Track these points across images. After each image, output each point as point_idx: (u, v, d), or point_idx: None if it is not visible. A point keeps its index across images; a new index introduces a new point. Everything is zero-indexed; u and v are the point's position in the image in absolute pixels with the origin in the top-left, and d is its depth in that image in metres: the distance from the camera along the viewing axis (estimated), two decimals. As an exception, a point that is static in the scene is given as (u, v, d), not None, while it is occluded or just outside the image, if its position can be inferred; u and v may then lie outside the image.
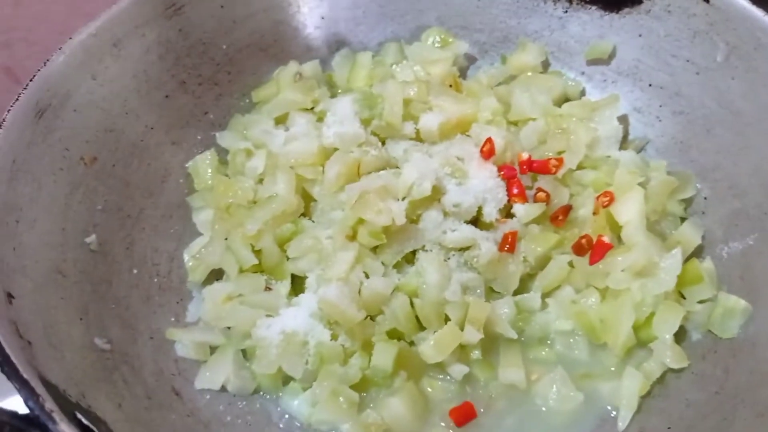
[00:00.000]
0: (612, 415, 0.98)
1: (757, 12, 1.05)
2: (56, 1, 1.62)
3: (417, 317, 1.02)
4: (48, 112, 1.02)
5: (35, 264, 0.92)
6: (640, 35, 1.19)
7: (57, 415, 0.69)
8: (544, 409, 1.00)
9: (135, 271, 1.07)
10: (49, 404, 0.70)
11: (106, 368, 0.92)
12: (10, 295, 0.83)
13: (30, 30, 1.62)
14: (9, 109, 0.98)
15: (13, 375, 0.71)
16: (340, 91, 1.29)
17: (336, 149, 1.12)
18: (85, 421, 0.74)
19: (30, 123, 0.99)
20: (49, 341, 0.84)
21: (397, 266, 1.05)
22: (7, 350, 0.74)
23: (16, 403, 0.76)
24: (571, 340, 1.04)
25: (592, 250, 1.03)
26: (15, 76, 1.66)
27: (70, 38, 1.08)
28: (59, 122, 1.03)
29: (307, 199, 1.13)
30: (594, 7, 1.22)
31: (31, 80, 1.02)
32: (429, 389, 1.01)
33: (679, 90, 1.16)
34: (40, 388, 0.71)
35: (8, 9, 1.58)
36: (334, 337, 1.00)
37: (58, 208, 1.00)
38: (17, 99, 0.99)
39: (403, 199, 1.05)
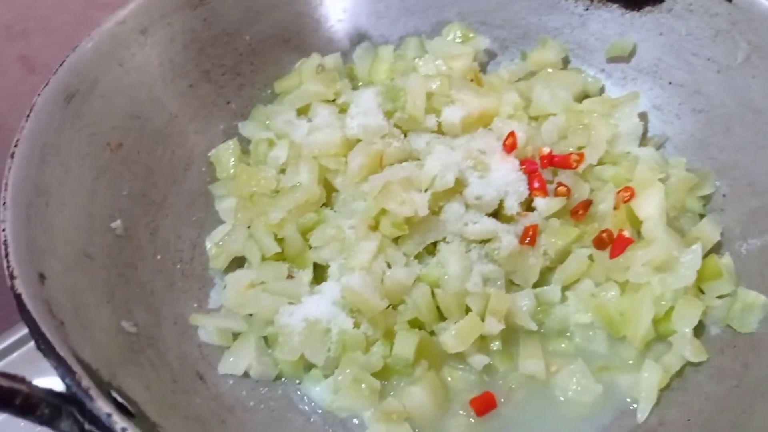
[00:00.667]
0: (631, 407, 0.99)
1: (780, 12, 1.07)
2: (73, -11, 1.63)
3: (438, 307, 1.03)
4: (76, 98, 1.02)
5: (64, 247, 0.93)
6: (661, 33, 1.20)
7: (93, 392, 0.69)
8: (563, 399, 1.01)
9: (159, 257, 1.08)
10: (86, 381, 0.70)
11: (134, 351, 0.93)
12: (42, 276, 0.84)
13: (48, 19, 1.63)
14: (39, 94, 0.99)
15: (50, 352, 0.72)
16: (360, 83, 1.30)
17: (359, 140, 1.13)
18: (120, 399, 0.75)
19: (59, 108, 1.00)
20: (79, 322, 0.85)
21: (419, 257, 1.06)
22: (43, 328, 0.75)
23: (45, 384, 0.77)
24: (591, 333, 1.04)
25: (613, 244, 1.04)
26: (31, 66, 1.68)
27: (99, 26, 1.09)
28: (87, 108, 1.04)
29: (329, 189, 1.14)
30: (615, 5, 1.23)
31: (60, 65, 1.03)
32: (449, 379, 1.02)
33: (699, 88, 1.17)
34: (76, 366, 0.72)
35: (27, -3, 1.59)
36: (356, 326, 1.01)
37: (85, 193, 1.01)
38: (47, 84, 1.00)
39: (426, 190, 1.06)
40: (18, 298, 0.77)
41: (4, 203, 0.87)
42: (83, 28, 1.66)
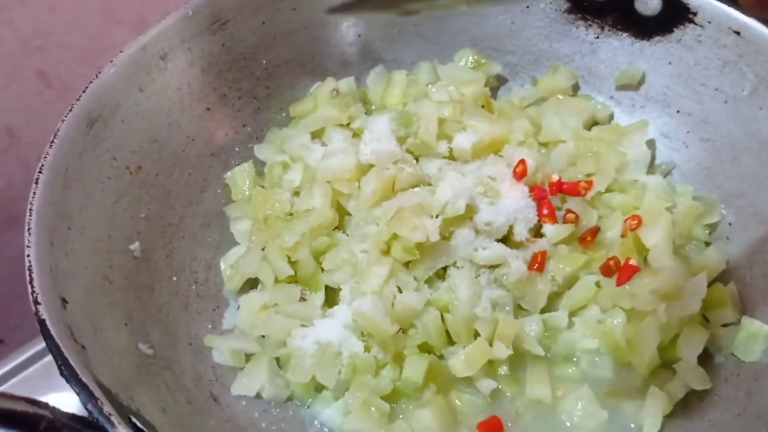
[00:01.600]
0: (636, 433, 1.01)
1: (787, 46, 1.08)
2: (91, 8, 1.67)
3: (447, 332, 1.05)
4: (98, 123, 1.05)
5: (85, 270, 0.96)
6: (669, 63, 1.22)
7: (115, 419, 0.72)
8: (569, 424, 1.02)
9: (174, 279, 1.11)
10: (107, 408, 0.73)
11: (150, 373, 0.95)
12: (64, 300, 0.87)
13: (65, 35, 1.67)
14: (63, 120, 1.02)
15: (73, 378, 0.75)
16: (374, 107, 1.32)
17: (372, 166, 1.16)
18: (139, 425, 0.77)
19: (81, 133, 1.03)
20: (99, 346, 0.88)
21: (429, 281, 1.08)
22: (66, 354, 0.77)
23: (56, 401, 0.80)
24: (597, 359, 1.06)
25: (620, 271, 1.06)
26: (48, 80, 1.71)
27: (121, 51, 1.11)
28: (108, 132, 1.07)
29: (342, 212, 1.16)
30: (625, 34, 1.25)
31: (83, 91, 1.05)
32: (457, 402, 1.04)
33: (706, 117, 1.19)
34: (98, 392, 0.74)
35: (44, 14, 1.62)
36: (367, 349, 1.03)
37: (105, 216, 1.04)
38: (70, 110, 1.03)
39: (437, 216, 1.08)
40: (42, 323, 0.80)
41: (29, 229, 0.90)
42: (100, 44, 1.71)
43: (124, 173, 1.09)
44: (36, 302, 0.82)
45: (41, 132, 1.73)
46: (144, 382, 0.92)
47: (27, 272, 0.85)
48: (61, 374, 0.76)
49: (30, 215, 0.92)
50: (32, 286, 0.84)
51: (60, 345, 0.78)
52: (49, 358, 1.24)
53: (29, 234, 0.90)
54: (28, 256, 0.87)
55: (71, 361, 0.76)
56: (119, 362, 0.90)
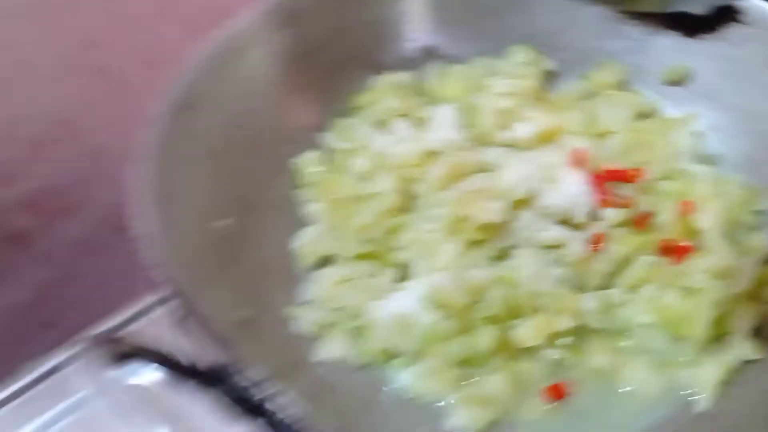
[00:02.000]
0: (692, 398, 1.08)
1: (832, 42, 1.16)
2: (144, 3, 1.75)
3: (513, 306, 1.12)
4: (187, 109, 1.14)
5: (184, 245, 1.04)
6: (716, 60, 1.29)
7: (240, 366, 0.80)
8: (627, 391, 1.09)
9: (256, 254, 1.18)
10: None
11: (248, 336, 1.03)
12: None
13: (119, 29, 1.74)
14: (155, 107, 1.11)
15: (204, 327, 0.83)
16: (433, 100, 1.40)
17: (437, 152, 1.23)
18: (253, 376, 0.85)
19: (171, 120, 1.11)
20: (209, 309, 0.96)
21: (495, 260, 1.15)
22: (195, 306, 0.86)
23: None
24: (652, 332, 1.12)
25: (674, 252, 1.14)
26: (103, 74, 1.78)
27: (204, 46, 1.20)
28: (196, 118, 1.15)
29: (408, 198, 1.23)
30: (673, 33, 1.33)
31: (173, 81, 1.14)
32: (523, 370, 1.11)
33: (754, 112, 1.26)
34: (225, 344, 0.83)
35: (100, 9, 1.70)
36: (439, 320, 1.10)
37: (195, 197, 1.12)
38: (162, 97, 1.12)
39: (501, 200, 1.16)
40: (165, 282, 0.89)
41: (136, 203, 0.98)
42: (152, 39, 1.78)
43: (210, 157, 1.17)
44: (154, 266, 0.90)
45: (97, 124, 1.82)
46: (245, 343, 1.00)
47: (138, 241, 0.93)
48: (190, 326, 0.84)
49: (134, 191, 1.00)
50: (145, 254, 0.92)
51: (190, 297, 0.86)
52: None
53: (136, 206, 0.98)
54: (138, 228, 0.96)
55: (201, 311, 0.85)
56: (226, 323, 0.98)
